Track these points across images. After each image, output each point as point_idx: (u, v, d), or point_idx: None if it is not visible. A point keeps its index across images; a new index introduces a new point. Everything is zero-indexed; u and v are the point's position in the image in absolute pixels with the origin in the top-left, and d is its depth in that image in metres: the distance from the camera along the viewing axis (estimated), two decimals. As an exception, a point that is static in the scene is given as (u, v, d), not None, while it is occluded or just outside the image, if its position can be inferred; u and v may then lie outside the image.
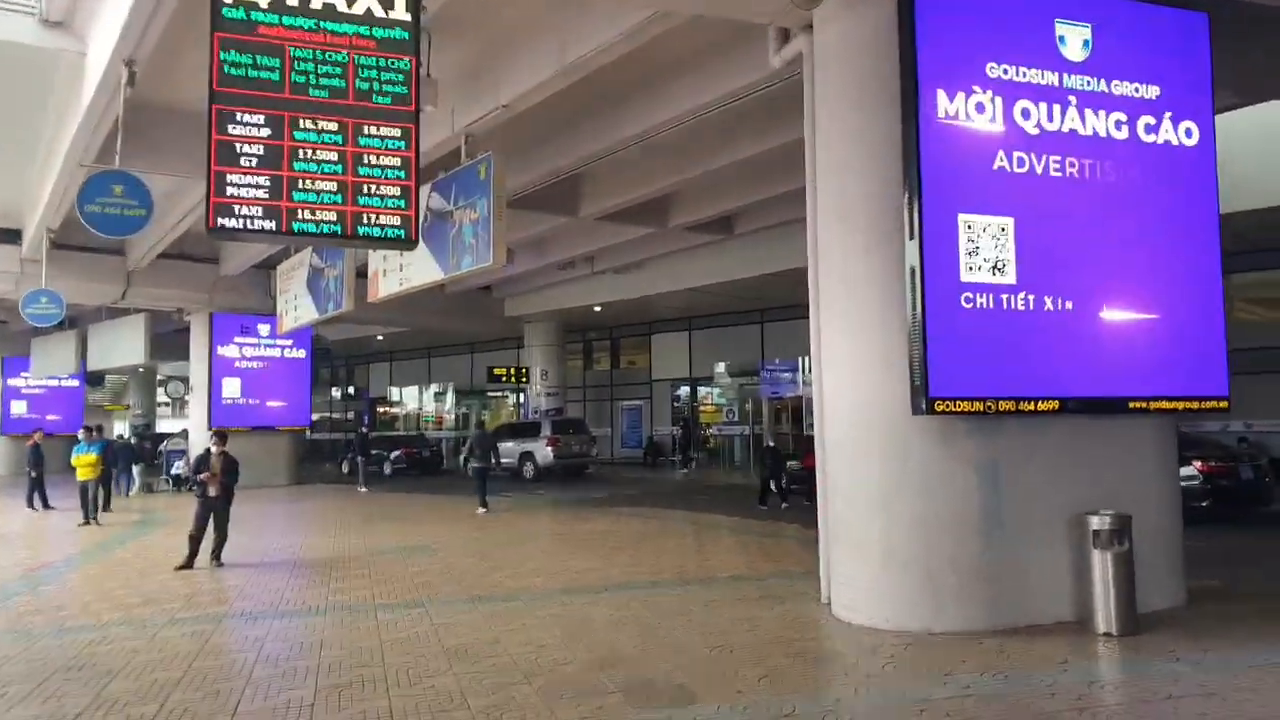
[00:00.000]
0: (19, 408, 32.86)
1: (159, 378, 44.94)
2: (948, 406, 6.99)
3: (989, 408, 7.09)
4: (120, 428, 41.07)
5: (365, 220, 7.07)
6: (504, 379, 30.72)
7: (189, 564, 11.09)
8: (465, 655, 6.78)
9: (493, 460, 18.37)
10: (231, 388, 25.23)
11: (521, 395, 33.85)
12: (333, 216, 6.91)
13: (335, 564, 11.33)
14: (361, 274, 16.70)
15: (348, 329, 34.46)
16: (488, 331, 31.74)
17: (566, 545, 12.30)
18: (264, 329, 25.36)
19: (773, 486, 17.09)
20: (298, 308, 20.08)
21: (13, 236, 21.86)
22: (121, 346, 26.79)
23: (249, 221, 6.54)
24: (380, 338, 35.67)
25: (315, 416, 47.50)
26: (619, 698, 5.72)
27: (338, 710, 5.64)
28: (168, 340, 29.73)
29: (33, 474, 19.05)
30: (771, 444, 16.49)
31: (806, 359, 25.84)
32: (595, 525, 14.33)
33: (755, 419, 27.54)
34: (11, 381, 32.81)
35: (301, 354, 26.83)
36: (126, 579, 10.46)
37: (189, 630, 7.81)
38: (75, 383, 33.41)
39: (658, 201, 19.00)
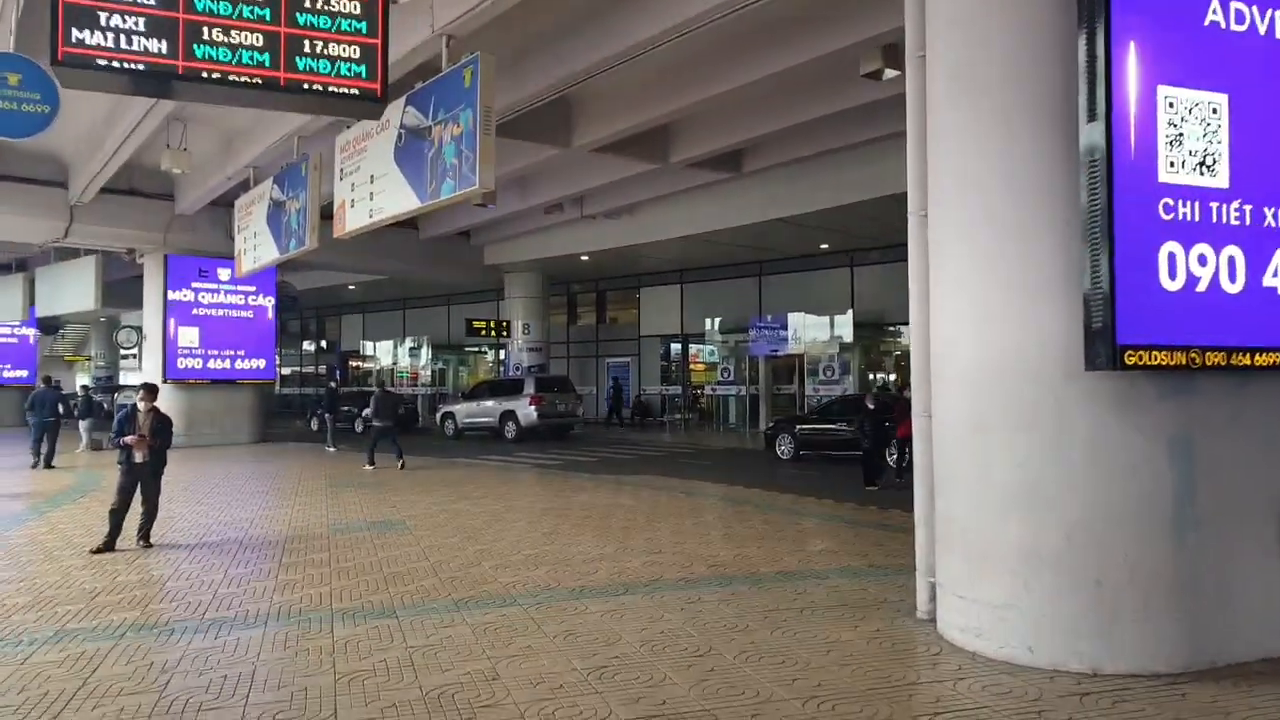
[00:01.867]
0: (-35, 356, 30.23)
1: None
2: (1140, 358, 4.85)
3: (1192, 360, 4.97)
4: (83, 380, 38.40)
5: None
6: (483, 332, 28.39)
7: (108, 545, 8.84)
8: (452, 706, 4.64)
9: (392, 422, 17.47)
10: (189, 337, 22.75)
11: (502, 351, 31.57)
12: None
13: (290, 545, 9.12)
14: (328, 215, 14.33)
15: (318, 277, 31.97)
16: (466, 281, 29.35)
17: (566, 523, 10.14)
18: (224, 273, 22.86)
19: (882, 460, 14.52)
20: (257, 246, 17.55)
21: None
22: (71, 291, 24.24)
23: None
24: (352, 288, 33.17)
25: (285, 370, 45.08)
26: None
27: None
28: (127, 287, 27.13)
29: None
30: (872, 405, 13.85)
31: (805, 315, 23.76)
32: (595, 497, 12.18)
33: (752, 378, 25.44)
34: (-44, 329, 30.13)
35: (267, 301, 24.38)
36: (25, 564, 8.20)
37: (74, 652, 5.59)
38: (29, 331, 30.80)
39: (659, 133, 16.69)
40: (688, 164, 17.26)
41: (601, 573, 7.57)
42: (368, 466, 16.67)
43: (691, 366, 28.46)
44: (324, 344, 43.48)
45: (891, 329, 24.24)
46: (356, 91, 7.05)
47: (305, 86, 6.94)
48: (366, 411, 18.98)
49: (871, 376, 24.33)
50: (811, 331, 23.75)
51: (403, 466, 16.45)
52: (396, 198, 11.89)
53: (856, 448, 16.51)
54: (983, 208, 5.49)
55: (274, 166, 15.69)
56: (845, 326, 23.11)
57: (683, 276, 27.90)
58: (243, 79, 6.73)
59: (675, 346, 28.82)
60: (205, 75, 6.63)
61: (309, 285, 32.88)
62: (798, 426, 17.77)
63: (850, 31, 11.53)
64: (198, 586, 7.32)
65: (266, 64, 6.79)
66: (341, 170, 13.71)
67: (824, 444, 17.21)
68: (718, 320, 26.29)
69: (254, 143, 16.50)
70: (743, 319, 25.51)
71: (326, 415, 22.22)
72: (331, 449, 20.98)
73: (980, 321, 5.46)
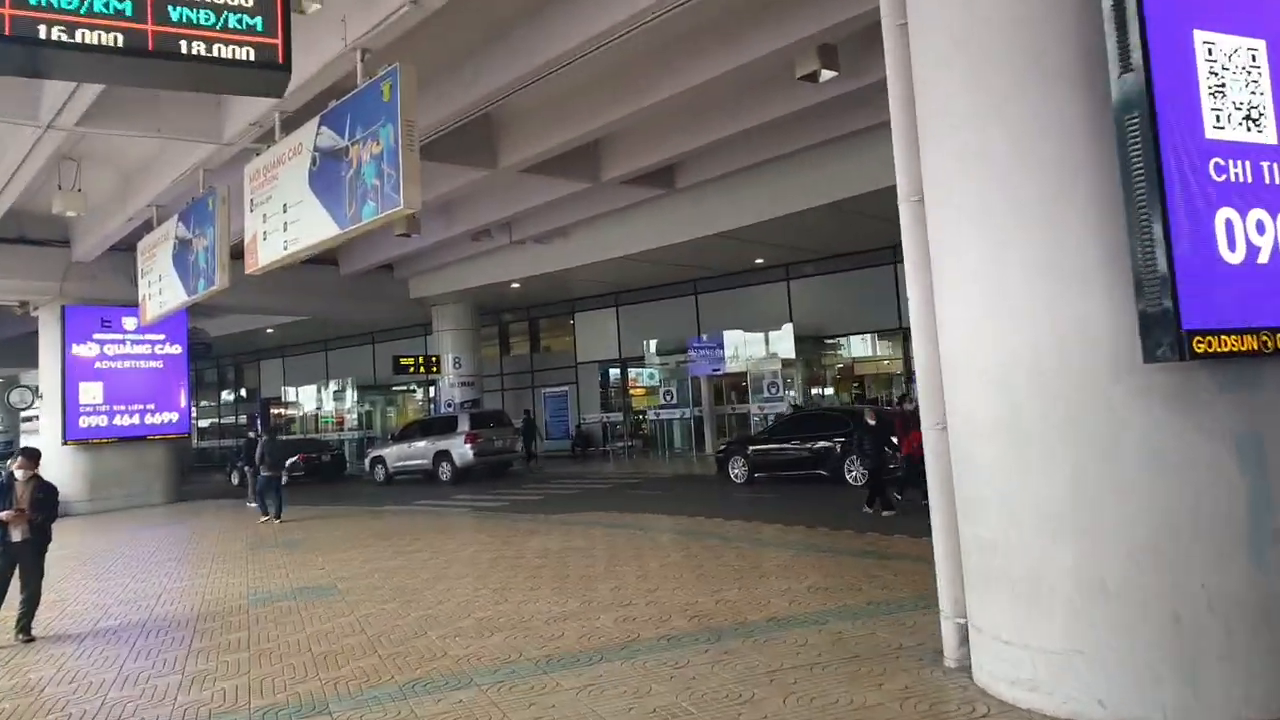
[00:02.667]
0: None
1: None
2: (1210, 345, 4.08)
3: (1264, 344, 4.22)
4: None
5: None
6: (412, 369, 27.07)
7: (-18, 640, 7.55)
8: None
9: (278, 470, 16.72)
10: (91, 393, 21.03)
11: (432, 388, 30.26)
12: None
13: (203, 624, 7.91)
14: (240, 254, 13.09)
15: (233, 322, 30.32)
16: (391, 317, 28.03)
17: (519, 575, 9.09)
18: (130, 322, 21.19)
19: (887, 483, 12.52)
20: (163, 290, 16.14)
21: None
22: (-46, 351, 22.39)
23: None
24: (270, 331, 31.52)
25: (203, 422, 42.88)
26: None
27: None
28: (23, 343, 25.26)
29: None
30: (873, 421, 12.60)
31: (744, 333, 23.08)
32: (546, 541, 11.13)
33: (695, 400, 24.63)
34: None
35: (177, 350, 22.78)
36: (-124, 675, 6.88)
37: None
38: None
39: (589, 150, 15.85)
40: (620, 181, 16.44)
41: (568, 636, 6.55)
42: (263, 519, 16.00)
43: (631, 391, 27.54)
44: (244, 392, 41.49)
45: (831, 341, 23.71)
46: (251, 53, 5.83)
47: (182, 47, 5.68)
48: (248, 461, 17.88)
49: (817, 390, 23.73)
50: (752, 348, 23.08)
51: (280, 520, 15.70)
52: (313, 226, 10.85)
53: (813, 467, 15.80)
54: (995, 184, 4.70)
55: (179, 203, 14.44)
56: (785, 341, 22.47)
57: (618, 299, 27.01)
58: (97, 35, 5.44)
59: (614, 372, 27.89)
60: (43, 33, 5.31)
61: (224, 331, 31.18)
62: (750, 447, 16.96)
63: (782, 33, 10.89)
64: (84, 691, 6.10)
65: (128, 13, 5.53)
66: (252, 201, 12.58)
67: (779, 464, 16.42)
68: (654, 343, 25.46)
69: (155, 178, 15.19)
70: (681, 340, 24.73)
71: (246, 468, 20.70)
72: (253, 504, 19.48)
73: (1004, 316, 4.65)
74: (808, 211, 17.56)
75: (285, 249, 11.65)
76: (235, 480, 24.90)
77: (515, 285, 24.61)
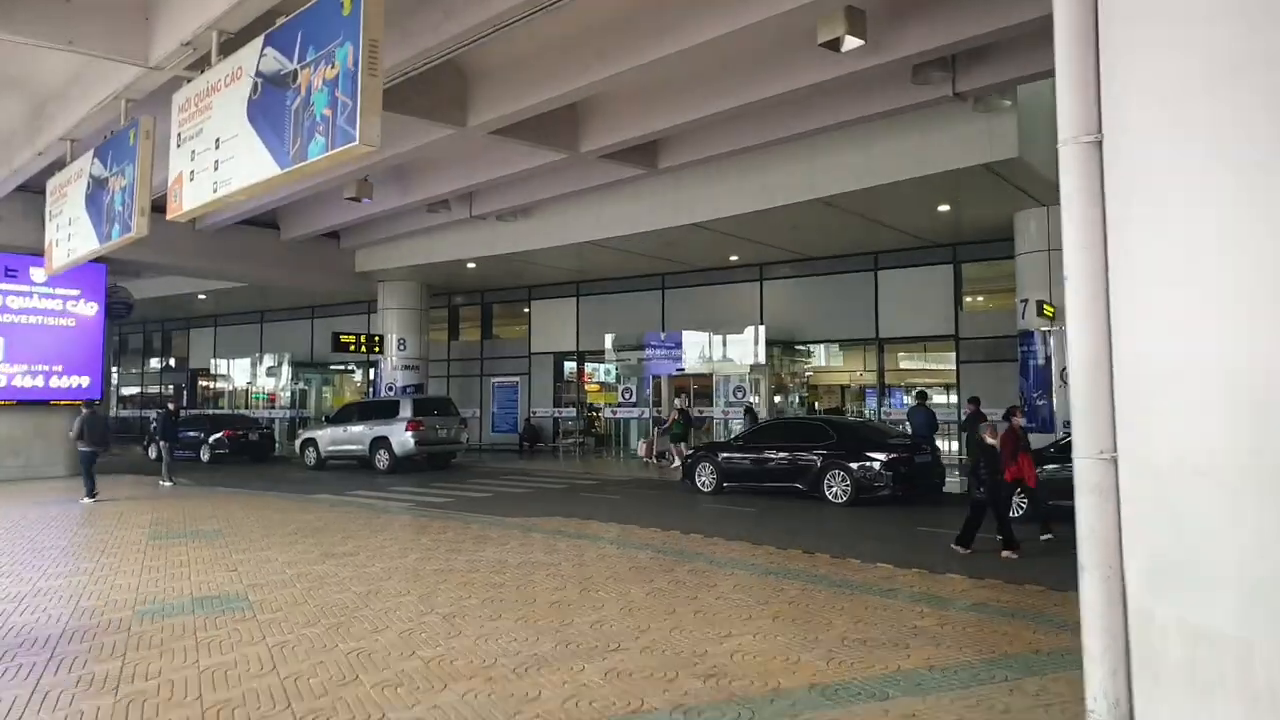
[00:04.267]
0: None
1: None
2: None
3: None
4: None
5: None
6: (353, 348, 25.11)
7: None
8: None
9: (100, 446, 15.56)
10: (-11, 349, 18.79)
11: (373, 370, 28.29)
12: None
13: (67, 645, 6.12)
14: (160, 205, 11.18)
15: (163, 285, 28.05)
16: (333, 290, 25.99)
17: (474, 596, 7.44)
18: (39, 274, 19.00)
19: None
20: (72, 236, 14.07)
21: None
22: None
23: None
24: (203, 297, 29.22)
25: (130, 390, 40.12)
26: None
27: None
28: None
29: None
30: (992, 440, 9.71)
31: (712, 333, 21.64)
32: (503, 552, 9.48)
33: (655, 400, 23.11)
34: None
35: (92, 309, 20.52)
36: None
37: None
38: None
39: (569, 115, 14.25)
40: (599, 155, 14.83)
41: (548, 697, 4.93)
42: (85, 500, 14.72)
43: (587, 386, 25.92)
44: (172, 361, 38.90)
45: (802, 347, 22.38)
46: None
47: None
48: (70, 434, 16.05)
49: (781, 399, 22.36)
50: (718, 350, 21.65)
51: (95, 498, 14.81)
52: (248, 165, 9.13)
53: (790, 480, 14.39)
54: (1255, 111, 3.23)
55: (97, 139, 12.51)
56: (755, 345, 21.06)
57: (578, 289, 25.38)
58: None
59: (570, 365, 26.23)
60: None
61: (152, 294, 28.81)
62: (721, 455, 15.47)
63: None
64: None
65: None
66: (179, 136, 10.75)
67: (752, 475, 14.96)
68: (612, 337, 23.86)
69: (70, 107, 13.14)
70: (644, 335, 23.23)
71: (162, 443, 18.62)
72: (167, 483, 17.48)
73: (1255, 312, 3.18)
74: (795, 207, 16.18)
75: (215, 191, 9.87)
76: (153, 454, 22.73)
77: (471, 265, 22.84)
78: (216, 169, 9.67)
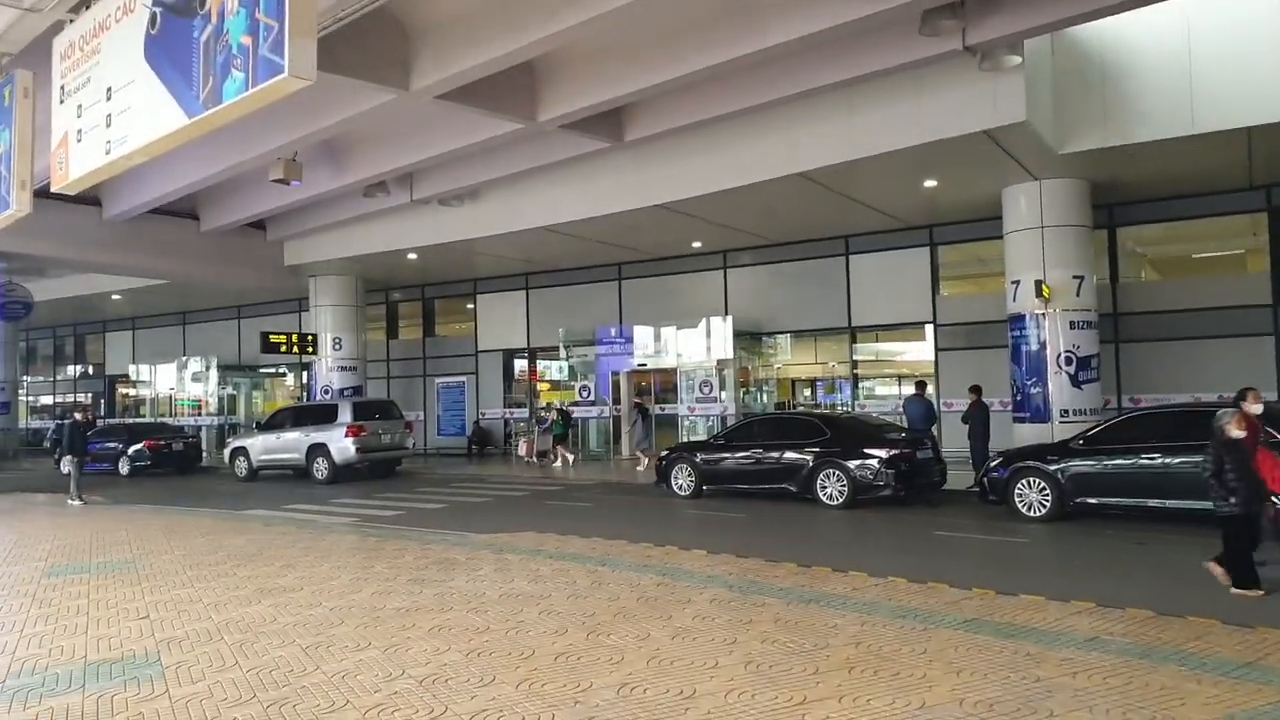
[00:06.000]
0: None
1: None
2: None
3: None
4: None
5: None
6: (284, 349, 23.02)
7: None
8: None
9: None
10: None
11: (306, 373, 26.20)
12: None
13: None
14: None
15: (71, 285, 25.62)
16: (260, 288, 23.84)
17: (454, 649, 5.79)
18: (-79, 271, 16.75)
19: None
20: (-55, 221, 12.11)
21: None
22: None
23: None
24: (117, 297, 26.75)
25: (46, 399, 37.08)
26: None
27: None
28: None
29: None
30: (1239, 431, 7.09)
31: (675, 325, 20.21)
32: (477, 579, 7.83)
33: (615, 398, 21.55)
34: None
35: (-15, 310, 18.25)
36: None
37: None
38: None
39: (524, 77, 12.64)
40: (561, 124, 13.21)
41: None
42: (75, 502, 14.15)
43: (539, 385, 24.21)
44: (89, 369, 36.05)
45: (769, 338, 21.02)
46: None
47: None
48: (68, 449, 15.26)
49: (748, 391, 20.97)
50: (682, 343, 20.18)
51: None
52: (149, 116, 7.44)
53: (779, 481, 12.98)
54: None
55: (-33, 100, 10.47)
56: (720, 337, 19.63)
57: (528, 281, 23.65)
58: None
59: (520, 363, 24.49)
60: None
61: (60, 294, 26.33)
62: (700, 455, 13.97)
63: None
64: None
65: None
66: (63, 90, 8.94)
67: (736, 476, 13.51)
68: (564, 331, 22.24)
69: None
70: (596, 330, 21.66)
71: (69, 457, 16.43)
72: (76, 502, 15.38)
73: None
74: (772, 184, 14.75)
75: (109, 153, 8.08)
76: (65, 469, 20.41)
77: (412, 256, 20.99)
78: (109, 125, 7.89)
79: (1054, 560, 9.02)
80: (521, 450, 21.49)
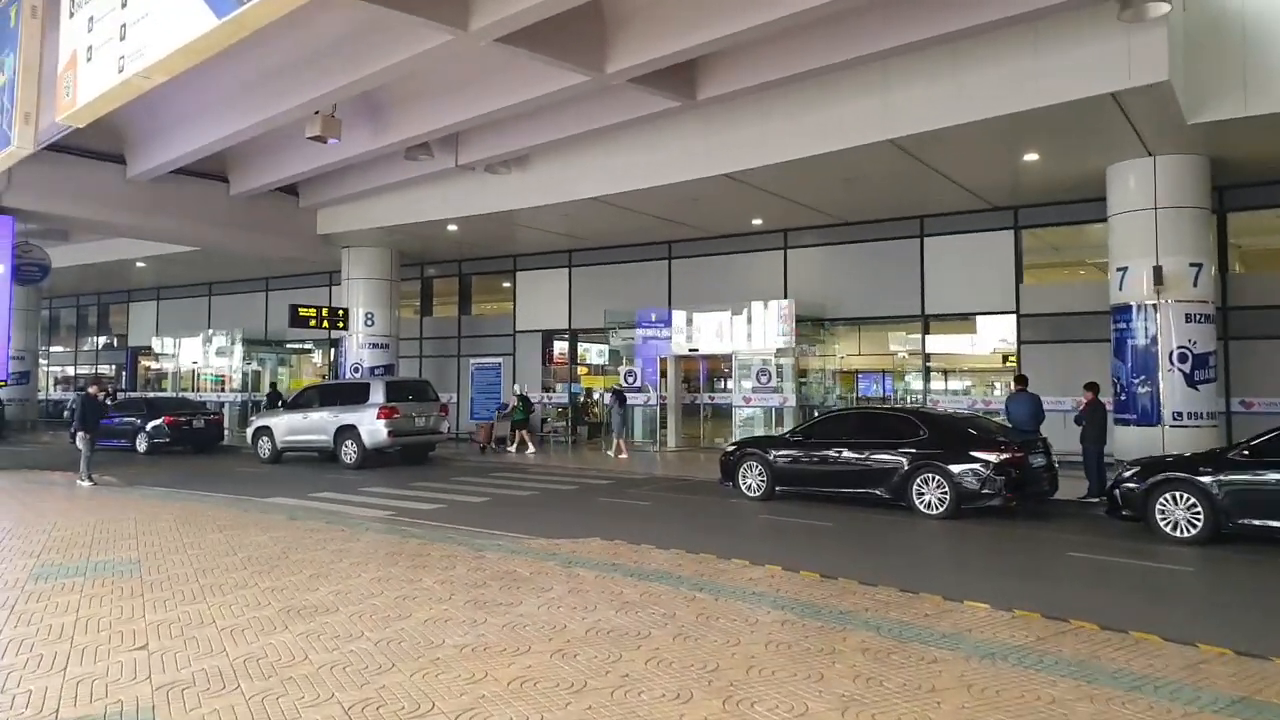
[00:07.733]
0: None
1: None
2: None
3: None
4: None
5: None
6: (313, 323, 21.65)
7: None
8: None
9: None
10: None
11: (335, 349, 24.83)
12: None
13: None
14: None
15: (95, 250, 24.36)
16: (291, 257, 22.44)
17: (550, 714, 4.35)
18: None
19: None
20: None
21: None
22: None
23: None
24: (141, 264, 25.50)
25: (69, 370, 35.98)
26: None
27: None
28: None
29: None
30: None
31: (729, 309, 18.68)
32: (551, 607, 6.33)
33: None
34: None
35: (-2, 272, 16.95)
36: None
37: None
38: None
39: (594, 22, 11.13)
40: (630, 76, 11.67)
41: None
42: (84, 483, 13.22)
43: (580, 369, 22.73)
44: (114, 340, 34.89)
45: (829, 325, 19.42)
46: None
47: None
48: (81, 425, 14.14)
49: (806, 383, 19.41)
50: (737, 329, 18.64)
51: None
52: (172, 22, 5.92)
53: (869, 485, 11.43)
54: None
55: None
56: (780, 323, 18.07)
57: (571, 258, 22.14)
58: None
59: (561, 345, 23.01)
60: None
61: (83, 260, 25.12)
62: (773, 453, 12.42)
63: None
64: None
65: None
66: (73, 4, 7.53)
67: (816, 478, 11.98)
68: (607, 312, 20.75)
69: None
70: (646, 311, 20.15)
71: (81, 434, 15.07)
72: (85, 483, 14.07)
73: None
74: (859, 151, 13.14)
75: (122, 70, 6.65)
76: (80, 445, 19.15)
77: (452, 228, 19.53)
78: (123, 37, 6.43)
79: (1231, 596, 7.45)
80: (480, 437, 20.37)
